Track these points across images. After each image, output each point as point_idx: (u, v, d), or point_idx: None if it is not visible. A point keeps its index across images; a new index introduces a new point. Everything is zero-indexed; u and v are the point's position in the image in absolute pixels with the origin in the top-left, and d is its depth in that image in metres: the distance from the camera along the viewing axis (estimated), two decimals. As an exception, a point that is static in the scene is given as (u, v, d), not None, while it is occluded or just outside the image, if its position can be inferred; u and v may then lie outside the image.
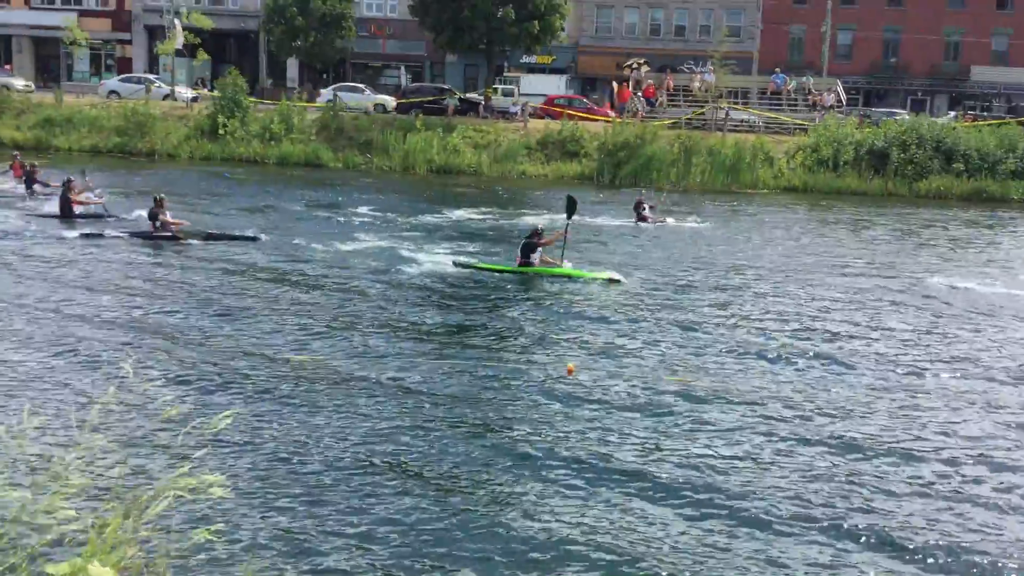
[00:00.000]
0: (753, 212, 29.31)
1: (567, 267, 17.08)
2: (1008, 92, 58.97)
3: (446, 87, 47.40)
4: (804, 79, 46.00)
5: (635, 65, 44.46)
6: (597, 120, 41.37)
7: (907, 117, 41.59)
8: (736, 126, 40.37)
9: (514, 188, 33.57)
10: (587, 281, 16.53)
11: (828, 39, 55.68)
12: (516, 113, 42.67)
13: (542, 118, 42.13)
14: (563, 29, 45.95)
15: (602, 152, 36.62)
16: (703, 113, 40.91)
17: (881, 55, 61.86)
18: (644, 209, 24.86)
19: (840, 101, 44.09)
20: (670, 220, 25.21)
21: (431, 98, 43.91)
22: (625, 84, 44.17)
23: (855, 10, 61.43)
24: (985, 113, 47.96)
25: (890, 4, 61.57)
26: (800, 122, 40.58)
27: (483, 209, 26.68)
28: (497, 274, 16.94)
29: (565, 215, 17.60)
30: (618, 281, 16.41)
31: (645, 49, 57.39)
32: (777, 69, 47.93)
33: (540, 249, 16.95)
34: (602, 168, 36.19)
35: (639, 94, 42.84)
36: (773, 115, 42.04)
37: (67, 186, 21.54)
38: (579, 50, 60.93)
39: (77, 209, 21.34)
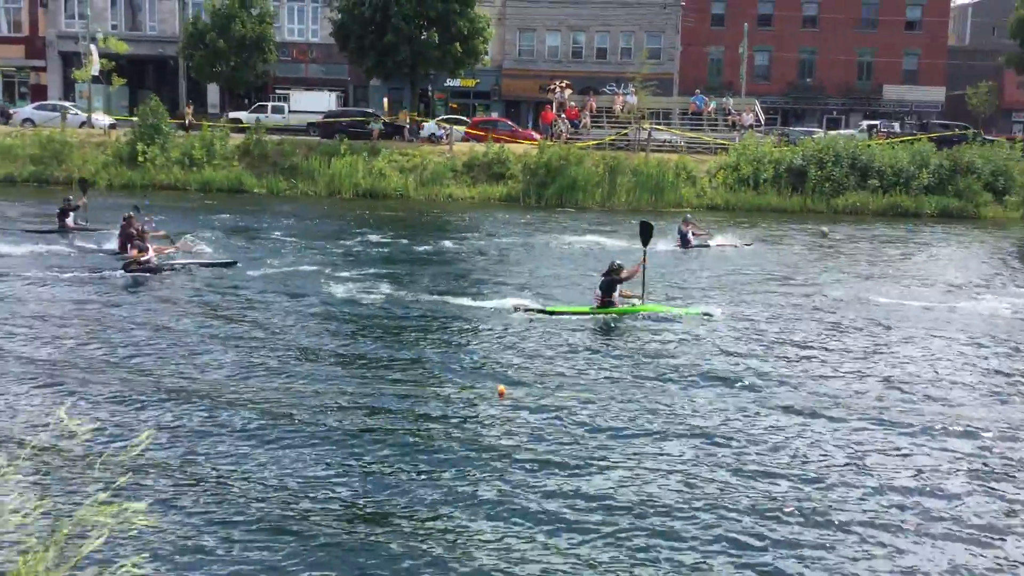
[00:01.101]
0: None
1: (652, 304, 15.76)
2: (919, 110, 61.03)
3: (370, 111, 47.27)
4: (724, 99, 46.96)
5: (558, 87, 44.88)
6: (522, 142, 41.64)
7: (824, 135, 42.67)
8: (659, 146, 40.98)
9: (442, 210, 33.56)
10: (680, 318, 15.35)
11: (746, 60, 57.03)
12: (442, 136, 42.75)
13: (467, 140, 42.25)
14: (486, 53, 46.20)
15: (527, 173, 36.83)
16: (626, 134, 41.46)
17: (797, 75, 63.55)
18: (689, 232, 24.30)
19: (759, 120, 45.10)
20: (715, 242, 24.89)
21: (348, 119, 44.18)
22: (548, 106, 44.58)
23: (771, 32, 63.08)
24: (897, 130, 49.46)
25: (805, 26, 63.35)
26: (721, 141, 41.40)
27: (412, 232, 26.56)
28: (574, 317, 15.23)
29: (641, 243, 16.07)
30: (711, 315, 15.49)
31: (568, 72, 57.99)
32: (697, 90, 48.86)
33: (621, 285, 15.52)
34: (528, 189, 36.39)
35: (563, 116, 43.25)
36: (694, 135, 42.82)
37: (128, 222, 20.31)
38: (503, 73, 61.30)
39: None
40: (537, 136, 43.14)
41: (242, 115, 46.86)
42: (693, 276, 20.40)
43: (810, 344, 14.15)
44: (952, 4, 69.98)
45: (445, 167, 38.18)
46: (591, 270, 18.55)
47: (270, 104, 49.40)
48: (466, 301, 16.39)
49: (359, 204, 34.77)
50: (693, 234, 24.40)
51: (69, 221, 24.07)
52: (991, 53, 60.62)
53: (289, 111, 48.45)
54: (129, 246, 19.01)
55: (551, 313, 15.33)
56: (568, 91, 45.00)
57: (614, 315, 15.30)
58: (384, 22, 40.65)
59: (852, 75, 63.22)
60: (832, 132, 46.51)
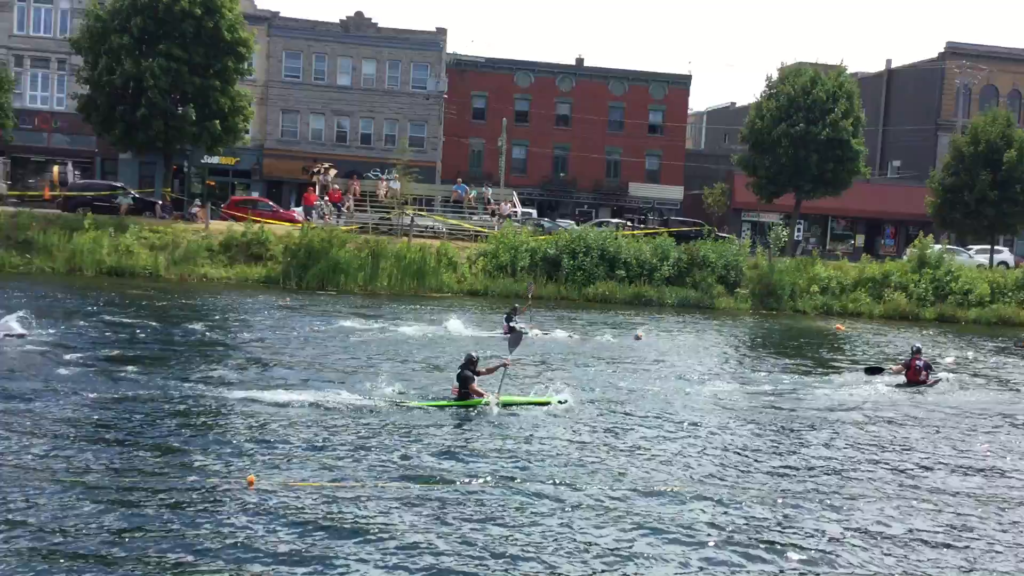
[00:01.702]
0: (441, 311, 30.00)
1: (506, 396, 15.66)
2: (660, 207, 65.67)
3: (118, 184, 44.87)
4: (484, 189, 48.53)
5: (321, 169, 44.70)
6: (283, 223, 40.93)
7: (575, 227, 44.87)
8: (421, 232, 41.57)
9: (194, 291, 32.10)
10: (533, 407, 15.51)
11: (504, 153, 59.45)
12: (195, 213, 41.26)
13: (224, 219, 41.00)
14: (247, 131, 45.34)
15: (288, 255, 36.13)
16: (390, 218, 41.78)
17: (552, 170, 66.90)
18: (516, 320, 24.41)
19: (516, 210, 46.84)
20: (537, 332, 25.18)
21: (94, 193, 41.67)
22: (311, 188, 44.22)
23: (528, 128, 66.27)
24: (642, 225, 52.89)
25: (559, 124, 67.06)
26: (480, 229, 42.57)
27: (160, 313, 25.21)
28: (434, 411, 15.08)
29: (508, 347, 16.45)
30: (564, 401, 15.77)
31: (332, 155, 57.98)
32: (459, 179, 50.26)
33: (475, 379, 15.51)
34: (288, 271, 35.65)
35: (326, 198, 43.02)
36: (456, 222, 43.81)
37: None
38: (265, 152, 60.35)
39: None
40: (299, 217, 42.56)
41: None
42: (526, 364, 20.35)
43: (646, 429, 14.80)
44: (689, 111, 76.50)
45: (200, 246, 36.74)
46: (370, 355, 18.00)
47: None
48: (226, 390, 15.65)
49: (102, 282, 32.65)
50: (519, 322, 24.68)
51: None
52: (724, 157, 66.58)
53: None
54: None
55: (409, 407, 15.12)
56: (332, 173, 44.92)
57: (470, 407, 15.19)
58: (137, 94, 39.05)
59: (601, 172, 67.33)
60: (588, 224, 48.90)
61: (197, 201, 43.91)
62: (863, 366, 22.58)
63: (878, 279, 41.15)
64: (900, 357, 24.04)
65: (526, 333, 23.54)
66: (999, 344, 32.03)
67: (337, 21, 63.07)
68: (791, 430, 15.57)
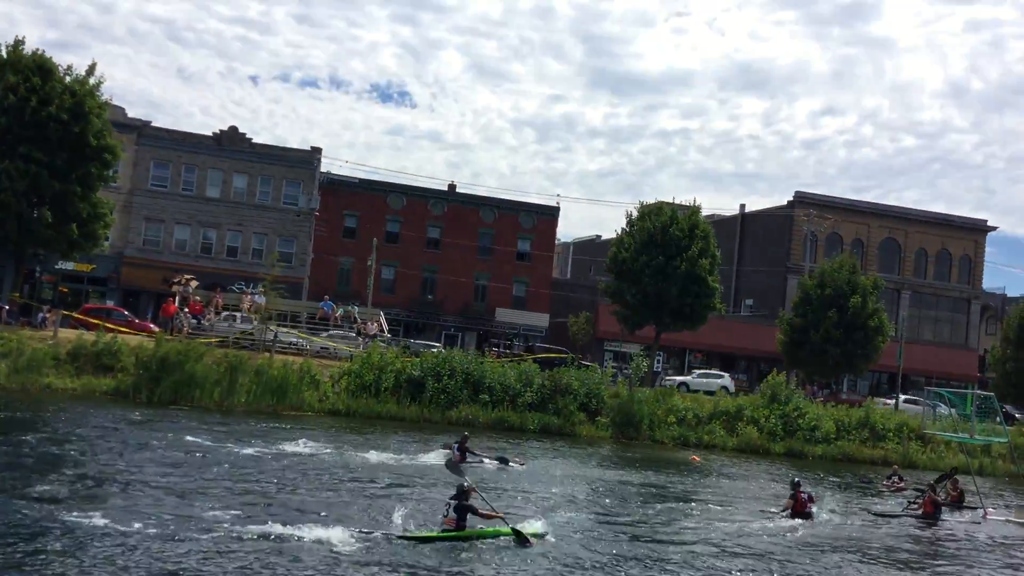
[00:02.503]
0: (312, 431, 29.17)
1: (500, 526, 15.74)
2: (526, 332, 66.61)
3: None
4: (351, 307, 48.18)
5: (183, 281, 43.56)
6: (139, 334, 39.45)
7: (441, 350, 44.86)
8: (284, 348, 40.75)
9: (36, 403, 30.25)
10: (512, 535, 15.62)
11: (373, 273, 59.51)
12: (43, 320, 39.36)
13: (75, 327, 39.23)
14: (107, 238, 43.95)
15: (140, 367, 34.67)
16: (252, 333, 40.83)
17: (420, 291, 67.23)
18: (467, 451, 25.01)
19: (383, 330, 46.61)
20: (487, 462, 25.40)
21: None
22: (171, 299, 42.94)
23: (398, 249, 66.79)
24: (507, 350, 53.38)
25: (428, 247, 67.87)
26: (346, 348, 42.07)
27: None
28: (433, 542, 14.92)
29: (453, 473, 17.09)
30: (541, 535, 16.03)
31: (195, 266, 56.84)
32: (326, 296, 49.83)
33: (472, 513, 15.49)
34: (139, 383, 34.14)
35: (185, 310, 41.80)
36: (320, 340, 43.18)
37: None
38: (123, 260, 58.63)
39: None
40: (155, 328, 41.12)
41: None
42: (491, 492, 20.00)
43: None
44: (556, 241, 78.78)
45: (46, 354, 34.86)
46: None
47: None
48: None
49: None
50: (470, 449, 25.31)
51: None
52: (589, 287, 68.49)
53: None
54: None
55: (402, 538, 14.93)
56: (193, 285, 43.82)
57: (466, 537, 15.29)
58: (-10, 194, 37.49)
59: (469, 296, 68.10)
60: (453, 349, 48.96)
61: (46, 308, 41.86)
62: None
63: (732, 412, 42.47)
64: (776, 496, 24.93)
65: (482, 462, 25.02)
66: (847, 480, 33.40)
67: (210, 134, 62.81)
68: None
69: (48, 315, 40.51)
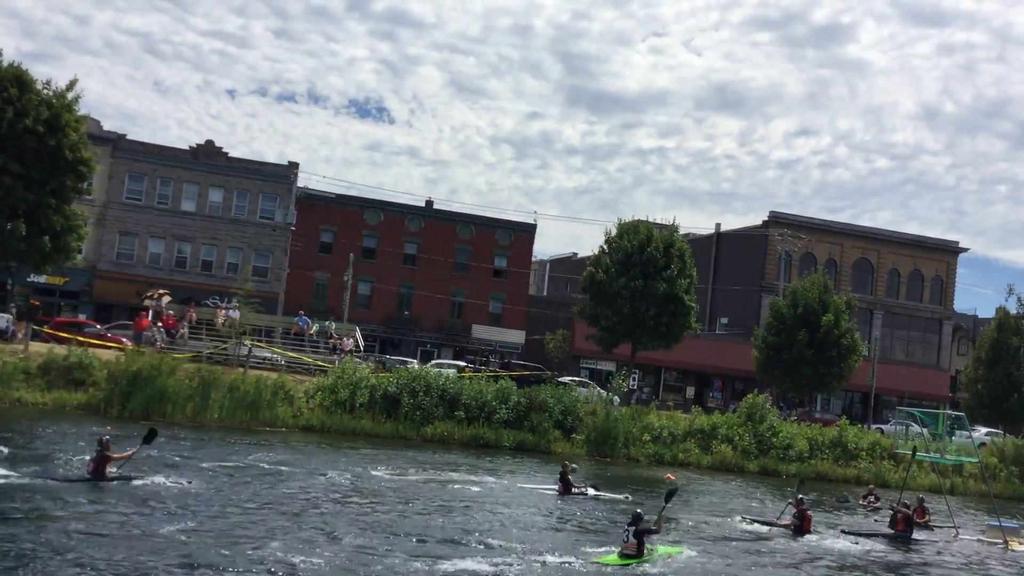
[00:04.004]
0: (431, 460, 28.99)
1: (667, 547, 17.94)
2: (502, 349, 66.56)
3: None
4: (326, 323, 47.93)
5: (156, 295, 43.17)
6: (110, 347, 39.08)
7: (417, 366, 44.75)
8: (259, 363, 40.46)
9: (5, 418, 29.84)
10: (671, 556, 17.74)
11: (349, 289, 59.33)
12: (13, 332, 38.91)
13: (47, 341, 38.79)
14: (80, 251, 43.51)
15: (112, 381, 34.32)
16: (226, 348, 40.55)
17: (396, 308, 67.06)
18: (569, 477, 25.35)
19: (358, 346, 46.41)
20: (591, 491, 25.78)
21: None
22: (144, 313, 42.53)
23: (374, 265, 66.65)
24: (483, 367, 53.29)
25: (405, 263, 67.76)
26: (321, 363, 41.84)
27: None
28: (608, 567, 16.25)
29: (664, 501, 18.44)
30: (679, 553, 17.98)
31: (169, 280, 56.52)
32: (301, 311, 49.55)
33: (650, 536, 17.23)
34: (111, 398, 33.79)
35: (159, 324, 41.41)
36: (295, 355, 42.92)
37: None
38: (97, 274, 58.15)
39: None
40: (128, 342, 40.72)
41: None
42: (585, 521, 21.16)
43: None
44: (533, 258, 78.94)
45: (16, 368, 34.43)
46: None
47: None
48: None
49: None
50: (573, 481, 25.59)
51: None
52: (565, 305, 68.59)
53: None
54: None
55: (600, 563, 16.36)
56: (166, 299, 43.44)
57: (647, 561, 16.82)
58: (-37, 206, 37.04)
59: (445, 312, 68.02)
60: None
61: (8, 316, 41.27)
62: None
63: (707, 431, 42.62)
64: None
65: (585, 494, 25.49)
66: (823, 498, 33.58)
67: (187, 148, 62.53)
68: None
69: (15, 327, 39.98)
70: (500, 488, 25.59)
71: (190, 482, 20.36)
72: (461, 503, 22.05)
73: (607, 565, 16.29)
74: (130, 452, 20.57)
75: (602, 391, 45.45)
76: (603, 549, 17.63)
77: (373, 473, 25.62)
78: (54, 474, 19.59)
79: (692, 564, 17.66)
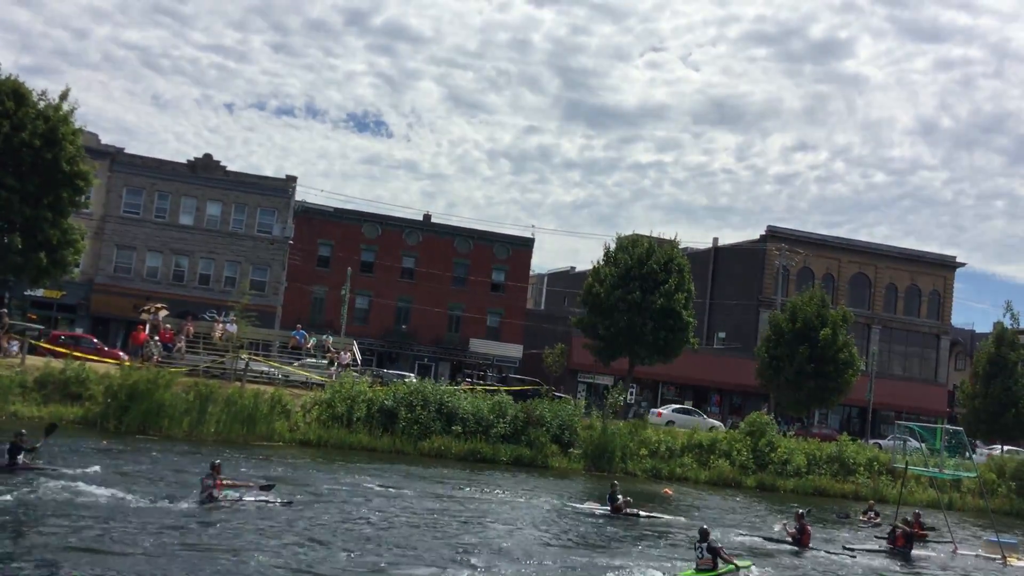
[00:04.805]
0: (378, 475, 28.89)
1: (741, 560, 18.81)
2: (500, 363, 66.46)
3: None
4: (324, 337, 47.81)
5: (153, 309, 43.05)
6: (107, 361, 38.96)
7: (414, 380, 44.65)
8: (256, 377, 40.34)
9: (3, 430, 29.70)
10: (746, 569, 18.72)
11: (347, 302, 59.26)
12: (13, 349, 38.74)
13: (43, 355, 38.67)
14: (77, 265, 43.46)
15: (108, 395, 34.22)
16: (223, 362, 40.44)
17: (394, 322, 66.97)
18: (619, 498, 25.59)
19: (356, 360, 46.30)
20: (642, 512, 25.78)
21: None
22: (141, 327, 42.40)
23: (372, 279, 66.60)
24: (480, 382, 53.17)
25: (403, 277, 67.72)
26: (318, 378, 41.73)
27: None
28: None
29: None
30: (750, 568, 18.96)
31: (167, 293, 56.46)
32: (299, 325, 49.46)
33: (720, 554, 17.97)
34: (107, 412, 33.68)
35: (156, 338, 41.29)
36: (293, 369, 42.82)
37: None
38: (94, 288, 58.08)
39: None
40: (124, 356, 40.60)
41: None
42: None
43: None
44: (531, 273, 78.94)
45: (13, 382, 34.32)
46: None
47: None
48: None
49: None
50: (625, 502, 25.68)
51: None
52: (563, 319, 68.51)
53: None
54: None
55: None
56: (164, 313, 43.32)
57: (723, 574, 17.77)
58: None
59: (443, 326, 67.93)
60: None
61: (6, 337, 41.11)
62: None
63: (705, 446, 42.52)
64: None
65: (638, 515, 25.60)
66: (823, 515, 33.47)
67: (185, 162, 62.57)
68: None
69: (13, 345, 39.79)
70: (548, 506, 26.07)
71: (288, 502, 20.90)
72: (512, 523, 22.37)
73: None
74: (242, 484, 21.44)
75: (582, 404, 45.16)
76: (682, 564, 18.69)
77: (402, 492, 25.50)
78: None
79: None
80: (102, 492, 19.37)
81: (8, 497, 18.00)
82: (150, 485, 21.59)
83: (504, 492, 28.36)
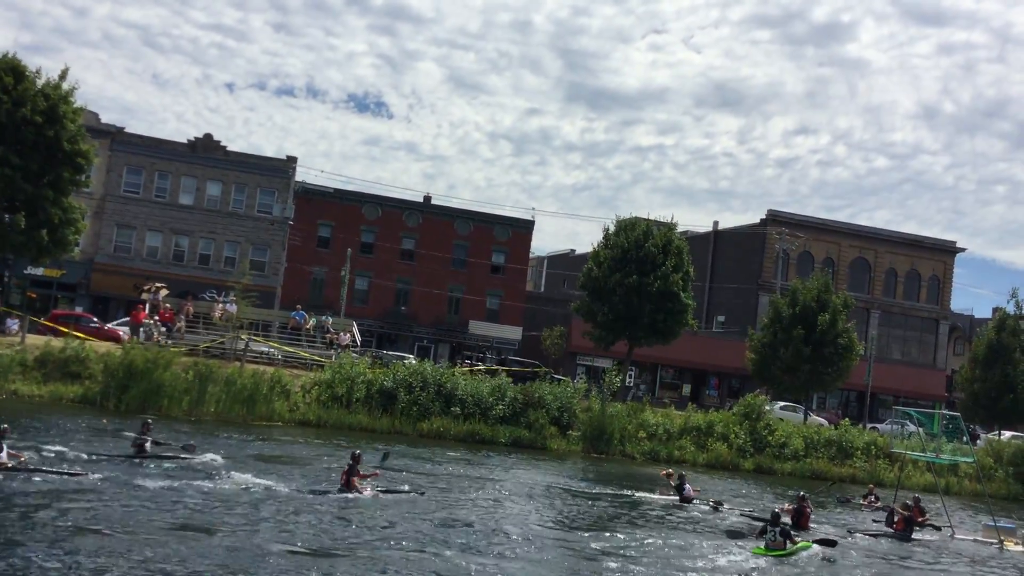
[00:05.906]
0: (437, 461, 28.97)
1: (803, 541, 20.65)
2: (499, 345, 66.52)
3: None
4: (323, 318, 47.85)
5: (153, 288, 43.08)
6: (107, 340, 39.01)
7: (414, 361, 44.67)
8: (255, 357, 40.40)
9: (3, 410, 29.75)
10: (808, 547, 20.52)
11: (347, 283, 59.26)
12: (13, 327, 38.83)
13: (43, 334, 38.71)
14: (78, 244, 43.37)
15: (108, 374, 34.27)
16: (223, 342, 40.49)
17: (394, 303, 66.98)
18: (686, 486, 26.74)
19: (355, 341, 46.34)
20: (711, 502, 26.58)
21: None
22: (140, 306, 42.43)
23: (372, 260, 66.53)
24: (480, 364, 53.23)
25: (403, 258, 67.65)
26: (317, 358, 41.80)
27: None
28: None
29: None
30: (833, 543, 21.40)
31: (167, 273, 56.39)
32: (298, 306, 49.48)
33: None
34: (107, 391, 33.76)
35: (156, 318, 41.34)
36: (292, 349, 42.89)
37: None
38: (94, 267, 58.06)
39: None
40: (124, 335, 40.65)
41: None
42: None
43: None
44: (531, 255, 78.83)
45: (13, 361, 34.38)
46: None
47: None
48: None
49: None
50: (693, 489, 26.91)
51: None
52: (562, 301, 68.53)
53: None
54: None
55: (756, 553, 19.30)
56: (163, 292, 43.35)
57: (791, 554, 19.61)
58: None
59: (443, 308, 67.93)
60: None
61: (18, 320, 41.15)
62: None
63: (703, 428, 42.61)
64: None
65: (711, 507, 26.30)
66: (823, 499, 33.64)
67: (185, 141, 62.41)
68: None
69: (14, 324, 39.85)
70: (618, 497, 26.77)
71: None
72: (591, 517, 22.85)
73: (763, 555, 19.32)
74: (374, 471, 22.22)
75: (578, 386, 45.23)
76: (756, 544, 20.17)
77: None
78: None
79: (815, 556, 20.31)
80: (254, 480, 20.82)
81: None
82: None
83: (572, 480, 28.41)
